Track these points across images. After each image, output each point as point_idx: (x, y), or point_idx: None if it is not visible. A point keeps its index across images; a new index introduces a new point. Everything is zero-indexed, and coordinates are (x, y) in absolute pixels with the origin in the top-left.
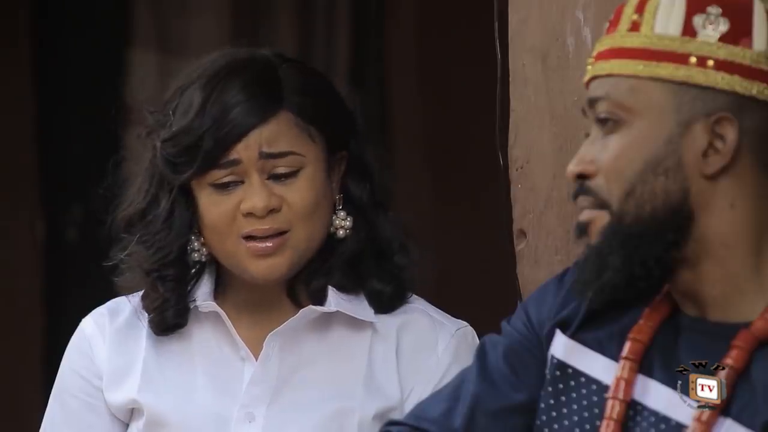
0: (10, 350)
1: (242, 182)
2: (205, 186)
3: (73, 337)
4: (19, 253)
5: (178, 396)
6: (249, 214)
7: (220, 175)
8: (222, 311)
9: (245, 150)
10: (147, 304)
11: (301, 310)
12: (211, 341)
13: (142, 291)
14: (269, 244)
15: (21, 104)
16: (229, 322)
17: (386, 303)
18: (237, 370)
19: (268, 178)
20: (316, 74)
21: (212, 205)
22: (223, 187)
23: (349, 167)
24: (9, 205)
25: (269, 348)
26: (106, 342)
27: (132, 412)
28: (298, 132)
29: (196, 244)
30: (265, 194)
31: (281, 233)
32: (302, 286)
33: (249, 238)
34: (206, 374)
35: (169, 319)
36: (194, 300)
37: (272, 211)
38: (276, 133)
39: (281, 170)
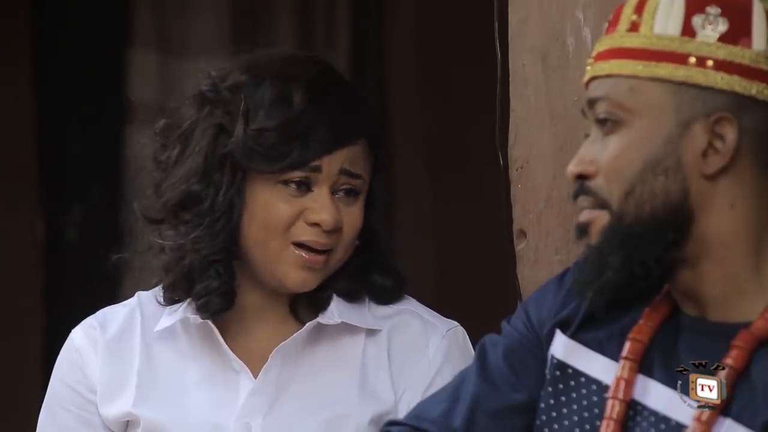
0: (10, 350)
1: (311, 190)
2: (274, 183)
3: (63, 349)
4: (19, 253)
5: (175, 408)
6: (315, 225)
7: (297, 174)
8: (213, 326)
9: (329, 162)
10: (194, 290)
11: (307, 324)
12: (204, 352)
13: (141, 293)
14: (318, 259)
15: (21, 104)
16: (220, 338)
17: (387, 296)
18: (231, 381)
19: (333, 194)
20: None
21: (276, 204)
22: (293, 185)
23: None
24: (9, 205)
25: (273, 361)
26: (99, 354)
27: (127, 424)
28: (366, 159)
29: None
30: (336, 211)
31: (328, 251)
32: (304, 297)
33: (300, 245)
34: (201, 385)
35: (218, 305)
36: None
37: (335, 230)
38: (357, 155)
39: (347, 187)
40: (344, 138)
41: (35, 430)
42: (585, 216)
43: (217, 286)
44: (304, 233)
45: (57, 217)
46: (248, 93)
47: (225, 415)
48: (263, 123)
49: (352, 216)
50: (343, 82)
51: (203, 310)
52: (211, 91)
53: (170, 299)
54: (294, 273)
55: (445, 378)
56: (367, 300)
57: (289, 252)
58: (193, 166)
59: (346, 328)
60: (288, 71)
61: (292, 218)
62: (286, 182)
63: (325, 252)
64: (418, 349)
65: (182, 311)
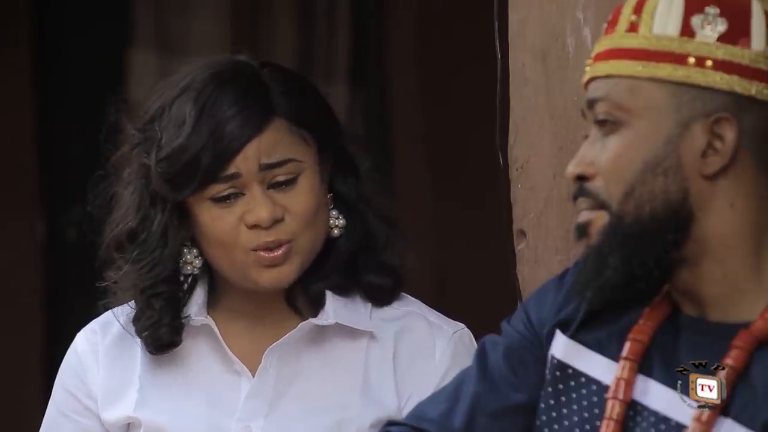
0: (10, 350)
1: (243, 194)
2: (204, 201)
3: (66, 354)
4: (19, 253)
5: (176, 411)
6: (254, 226)
7: (220, 189)
8: (215, 326)
9: (244, 162)
10: (141, 323)
11: (299, 325)
12: (206, 355)
13: (133, 310)
14: (277, 254)
15: (21, 104)
16: (221, 338)
17: (385, 296)
18: (233, 384)
19: (269, 188)
20: (297, 75)
21: (214, 220)
22: (223, 200)
23: (334, 165)
24: (9, 205)
25: (267, 362)
26: (100, 360)
27: (128, 426)
28: (293, 138)
29: (188, 256)
30: (269, 205)
31: (287, 242)
32: (300, 292)
33: (255, 249)
34: (202, 388)
35: (164, 337)
36: (188, 315)
37: (277, 221)
38: (273, 142)
39: (281, 178)
40: (246, 132)
41: (35, 429)
42: (584, 217)
43: (157, 319)
44: (251, 238)
45: (57, 217)
46: (159, 124)
47: (226, 418)
48: (167, 151)
49: (295, 199)
50: (235, 76)
51: (149, 345)
52: (133, 135)
53: (138, 335)
54: (264, 275)
55: None
56: (368, 302)
57: (251, 257)
58: (131, 206)
59: (349, 331)
60: (183, 86)
61: (234, 227)
62: (215, 198)
63: (283, 244)
64: (425, 353)
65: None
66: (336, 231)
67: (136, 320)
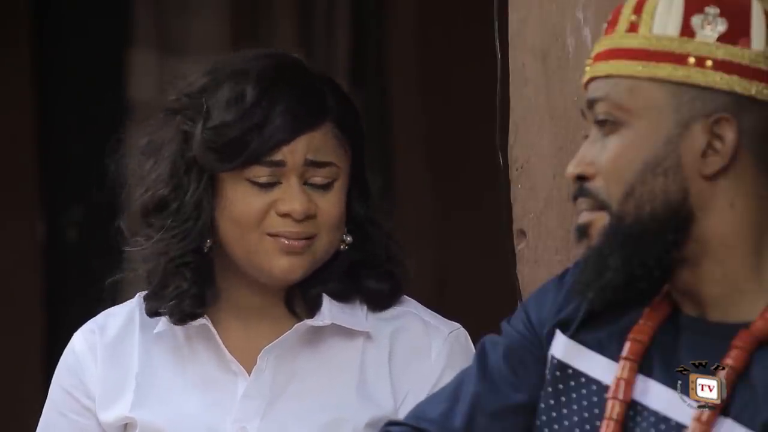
0: (10, 350)
1: (279, 183)
2: (241, 180)
3: (64, 353)
4: (19, 253)
5: (172, 411)
6: (286, 216)
7: (261, 172)
8: (212, 327)
9: (291, 154)
10: (168, 292)
11: (295, 325)
12: (203, 355)
13: (143, 293)
14: (297, 243)
15: (21, 104)
16: (218, 339)
17: (384, 301)
18: (230, 384)
19: (305, 184)
20: (342, 87)
21: (245, 200)
22: (260, 184)
23: (351, 184)
24: (9, 205)
25: (263, 362)
26: (98, 360)
27: (125, 427)
28: (337, 144)
29: None
30: (305, 199)
31: (309, 237)
32: (298, 295)
33: (275, 235)
34: (199, 388)
35: (186, 308)
36: (213, 288)
37: (308, 217)
38: (321, 142)
39: (318, 179)
40: (301, 126)
41: (35, 429)
42: (585, 218)
43: (186, 289)
44: (277, 224)
45: (57, 217)
46: (208, 96)
47: (222, 418)
48: (218, 121)
49: (328, 202)
50: (299, 71)
51: (173, 314)
52: (177, 100)
53: (152, 311)
54: (278, 260)
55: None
56: (366, 305)
57: (267, 241)
58: (162, 173)
59: (345, 332)
60: (242, 68)
61: (263, 211)
62: (254, 180)
63: (304, 238)
64: (421, 353)
65: (164, 322)
66: (342, 246)
67: (153, 296)
